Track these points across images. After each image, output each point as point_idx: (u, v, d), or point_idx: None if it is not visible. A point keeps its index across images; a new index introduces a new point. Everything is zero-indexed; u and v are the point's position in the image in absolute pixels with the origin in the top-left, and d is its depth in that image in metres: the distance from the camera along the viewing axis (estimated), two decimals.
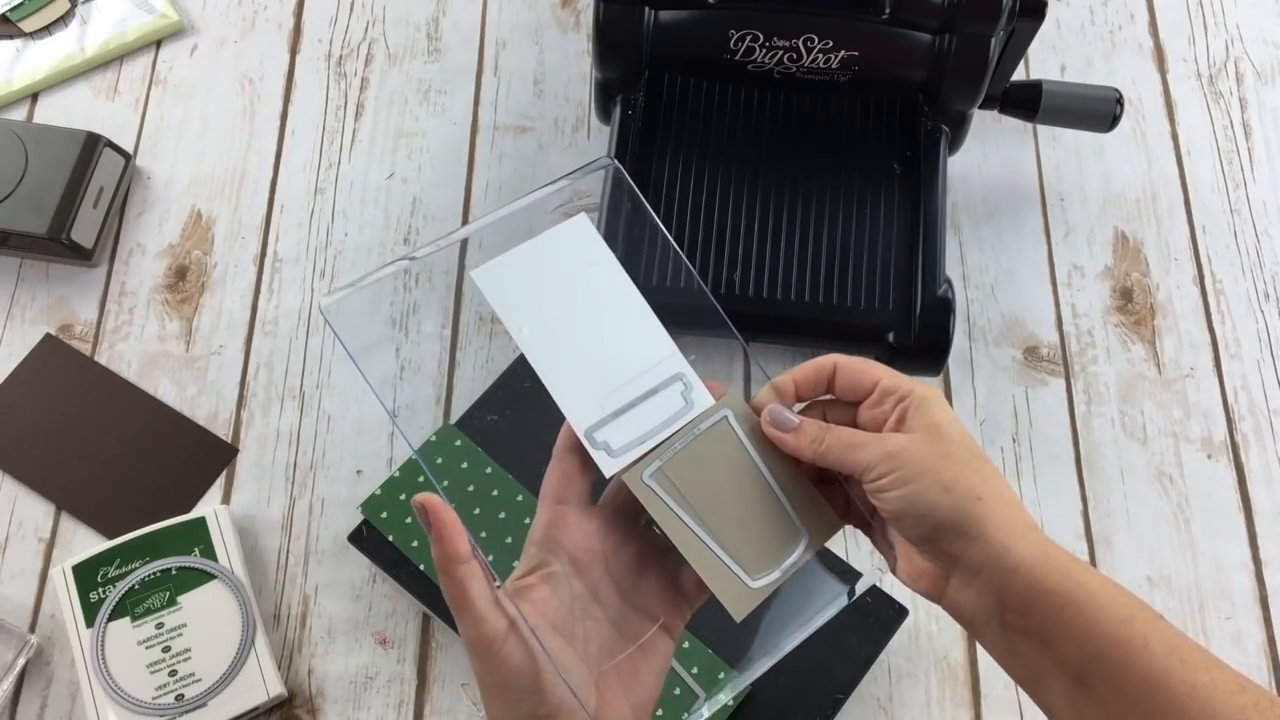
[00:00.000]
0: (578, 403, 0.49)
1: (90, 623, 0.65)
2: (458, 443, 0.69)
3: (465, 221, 0.81)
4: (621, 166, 0.59)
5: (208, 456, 0.73)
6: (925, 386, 0.47)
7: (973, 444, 0.47)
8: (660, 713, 0.62)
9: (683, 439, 0.48)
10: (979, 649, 0.68)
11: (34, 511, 0.71)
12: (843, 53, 0.72)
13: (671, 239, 0.72)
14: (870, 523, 0.50)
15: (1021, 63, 0.84)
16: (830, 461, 0.47)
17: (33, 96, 0.85)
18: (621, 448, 0.48)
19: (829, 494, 0.50)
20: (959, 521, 0.45)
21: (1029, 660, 0.45)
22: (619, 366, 0.49)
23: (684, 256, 0.72)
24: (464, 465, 0.68)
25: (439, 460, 0.69)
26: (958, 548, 0.45)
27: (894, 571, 0.48)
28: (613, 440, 0.48)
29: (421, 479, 0.68)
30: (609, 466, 0.48)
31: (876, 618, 0.65)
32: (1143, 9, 0.91)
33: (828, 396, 0.50)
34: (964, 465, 0.45)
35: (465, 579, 0.44)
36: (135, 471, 0.72)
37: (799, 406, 0.50)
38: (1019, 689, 0.67)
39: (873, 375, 0.48)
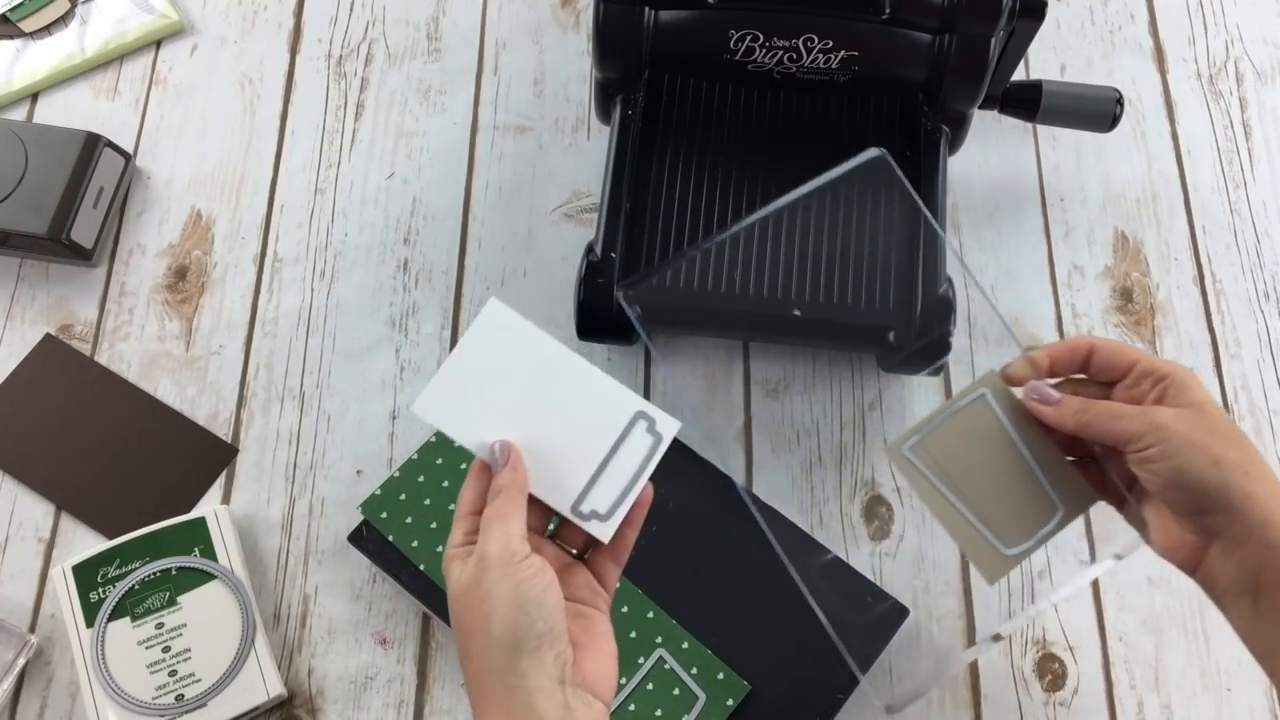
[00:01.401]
0: (553, 485, 0.50)
1: (90, 623, 0.65)
2: (457, 444, 0.69)
3: (465, 221, 0.81)
4: (889, 157, 0.59)
5: (208, 456, 0.73)
6: (1184, 369, 0.49)
7: (1234, 425, 0.48)
8: (659, 713, 0.62)
9: (941, 414, 0.52)
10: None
11: (34, 511, 0.71)
12: (843, 53, 0.72)
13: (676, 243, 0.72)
14: (1126, 497, 0.51)
15: (1021, 63, 0.84)
16: (1093, 433, 0.50)
17: (33, 96, 0.85)
18: (609, 509, 0.50)
19: (1083, 471, 0.52)
20: (1227, 495, 0.47)
21: (1275, 638, 0.47)
22: (579, 433, 0.51)
23: (681, 257, 0.72)
24: (464, 466, 0.68)
25: (439, 461, 0.69)
26: (1222, 521, 0.47)
27: (1149, 543, 0.51)
28: (599, 505, 0.50)
29: (422, 479, 0.68)
30: (604, 531, 0.50)
31: (876, 618, 0.65)
32: (1143, 9, 0.91)
33: (1081, 376, 0.52)
34: (1230, 441, 0.47)
35: (517, 505, 0.47)
36: (135, 471, 0.72)
37: (1052, 382, 0.52)
38: (1018, 689, 0.67)
39: (1130, 357, 0.50)
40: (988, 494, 0.51)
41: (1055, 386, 0.52)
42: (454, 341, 0.77)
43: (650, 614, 0.65)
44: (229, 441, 0.74)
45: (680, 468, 0.69)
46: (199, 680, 0.64)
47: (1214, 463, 0.47)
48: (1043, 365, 0.52)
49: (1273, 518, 0.46)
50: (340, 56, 0.87)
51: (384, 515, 0.67)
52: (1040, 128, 0.85)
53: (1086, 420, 0.50)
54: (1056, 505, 0.51)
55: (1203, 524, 0.48)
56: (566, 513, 0.50)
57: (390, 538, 0.67)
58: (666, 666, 0.63)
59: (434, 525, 0.67)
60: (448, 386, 0.50)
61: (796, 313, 0.67)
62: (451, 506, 0.67)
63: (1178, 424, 0.48)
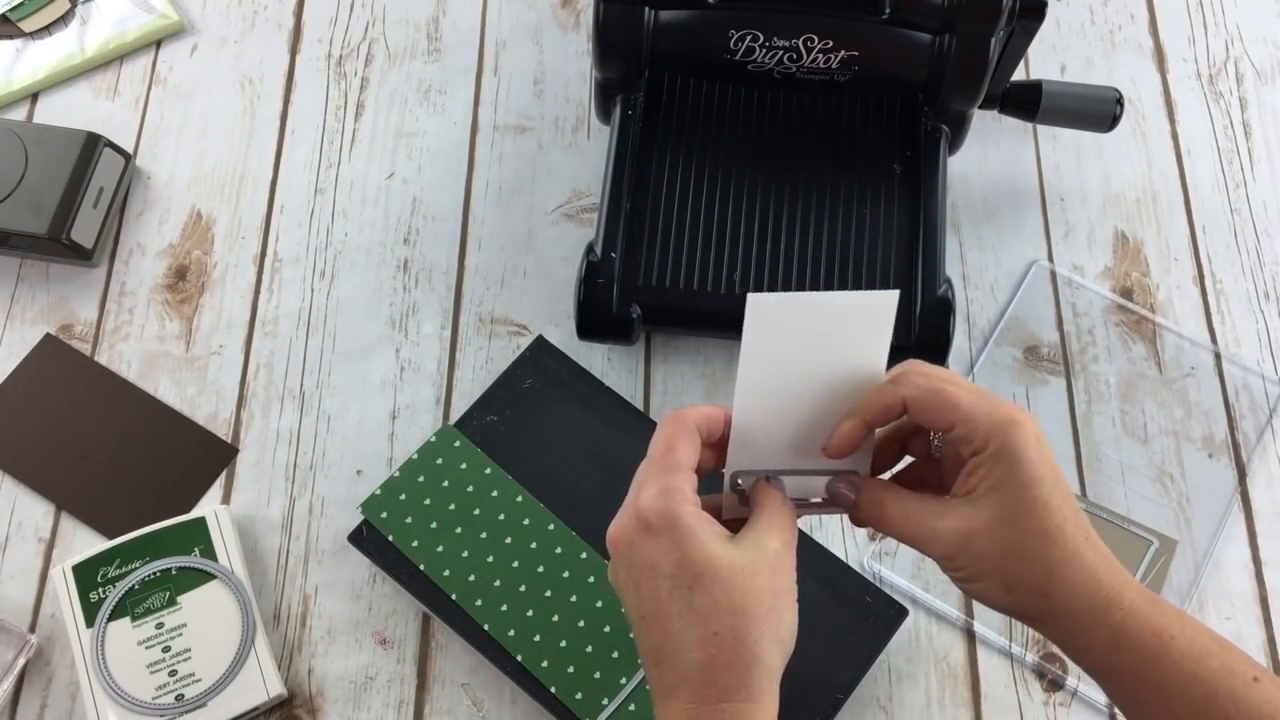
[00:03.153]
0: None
1: (90, 623, 0.65)
2: (457, 443, 0.69)
3: (465, 221, 0.81)
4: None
5: (208, 456, 0.73)
6: (1004, 432, 0.44)
7: (1045, 515, 0.44)
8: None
9: None
10: (979, 649, 0.68)
11: (34, 511, 0.71)
12: (843, 53, 0.72)
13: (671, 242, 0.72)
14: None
15: (1021, 63, 0.84)
16: (898, 538, 0.48)
17: (33, 96, 0.85)
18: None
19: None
20: (1026, 616, 0.46)
21: (1121, 708, 0.47)
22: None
23: (683, 257, 0.72)
24: (464, 465, 0.68)
25: (439, 461, 0.69)
26: (1031, 627, 0.47)
27: None
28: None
29: (422, 479, 0.68)
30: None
31: (876, 618, 0.65)
32: (1143, 9, 0.91)
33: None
34: (1028, 559, 0.44)
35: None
36: (135, 471, 0.72)
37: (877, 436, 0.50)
38: (1018, 689, 0.67)
39: (948, 419, 0.46)
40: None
41: (889, 441, 0.50)
42: (454, 342, 0.77)
43: None
44: (229, 441, 0.74)
45: None
46: (199, 680, 0.64)
47: (1007, 590, 0.44)
48: (856, 438, 0.47)
49: (1079, 625, 0.44)
50: (340, 56, 0.87)
51: (384, 515, 0.67)
52: (1040, 128, 0.85)
53: (886, 530, 0.48)
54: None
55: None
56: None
57: (390, 538, 0.67)
58: None
59: (434, 525, 0.67)
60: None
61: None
62: (452, 506, 0.67)
63: (974, 542, 0.44)
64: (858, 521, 0.49)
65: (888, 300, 0.46)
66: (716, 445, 0.49)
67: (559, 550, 0.66)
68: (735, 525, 0.48)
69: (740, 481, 0.49)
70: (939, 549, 0.46)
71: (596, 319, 0.71)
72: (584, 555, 0.66)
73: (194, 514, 0.69)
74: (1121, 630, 0.44)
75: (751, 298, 0.47)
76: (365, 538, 0.67)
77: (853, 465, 0.50)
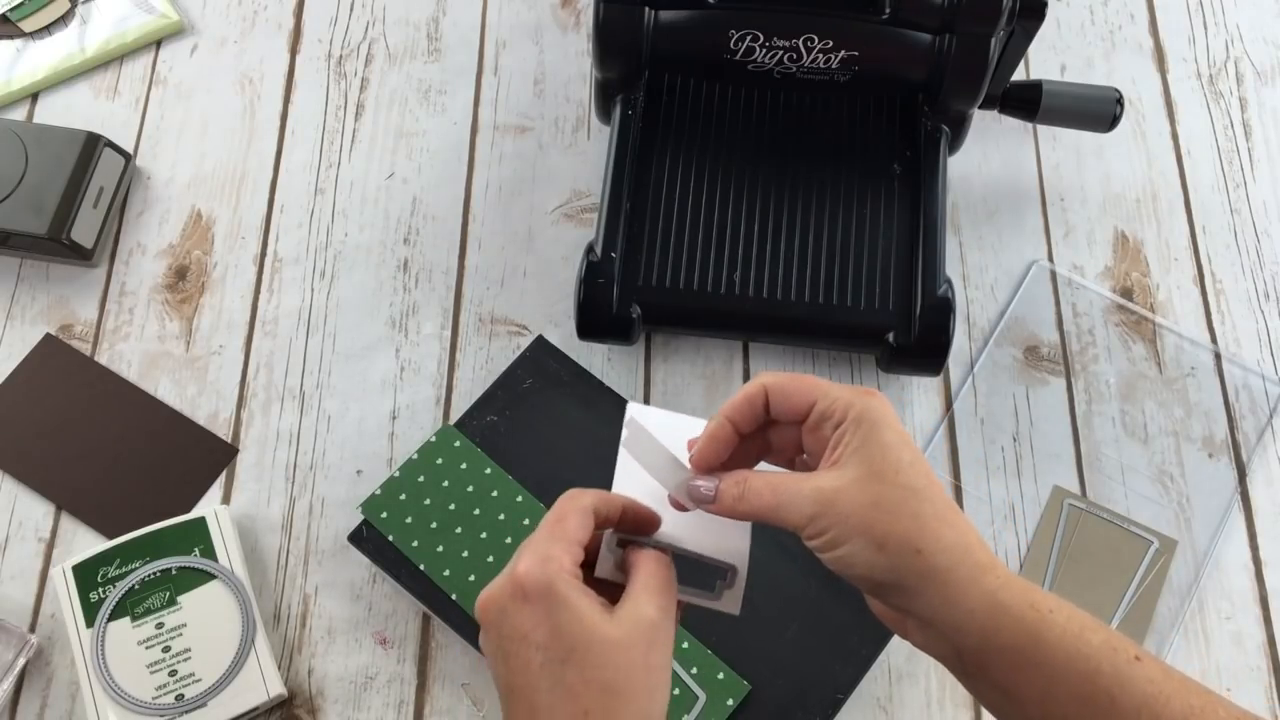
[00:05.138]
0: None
1: (90, 623, 0.65)
2: (457, 443, 0.69)
3: (465, 221, 0.81)
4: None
5: (208, 456, 0.73)
6: (862, 399, 0.44)
7: (912, 473, 0.42)
8: None
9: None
10: None
11: (34, 511, 0.71)
12: (843, 53, 0.72)
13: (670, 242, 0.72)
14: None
15: (1021, 63, 0.84)
16: (761, 520, 0.45)
17: (33, 96, 0.85)
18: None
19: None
20: (898, 580, 0.42)
21: (997, 707, 0.44)
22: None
23: (683, 257, 0.72)
24: (464, 465, 0.68)
25: (439, 461, 0.69)
26: (903, 602, 0.43)
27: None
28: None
29: (422, 479, 0.68)
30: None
31: (876, 618, 0.65)
32: (1143, 9, 0.91)
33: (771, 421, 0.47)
34: (897, 512, 0.42)
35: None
36: (135, 471, 0.72)
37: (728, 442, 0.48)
38: None
39: (807, 396, 0.45)
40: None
41: (748, 438, 0.48)
42: (454, 342, 0.77)
43: None
44: (229, 441, 0.74)
45: None
46: (199, 680, 0.64)
47: (879, 547, 0.41)
48: (722, 437, 0.46)
49: (953, 594, 0.41)
50: (340, 56, 0.87)
51: (384, 515, 0.67)
52: (1040, 128, 0.85)
53: (747, 509, 0.45)
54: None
55: (889, 603, 0.44)
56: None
57: (390, 538, 0.67)
58: None
59: (434, 525, 0.67)
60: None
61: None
62: (452, 506, 0.67)
63: (839, 501, 0.42)
64: (724, 510, 0.46)
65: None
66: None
67: None
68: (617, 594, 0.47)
69: (617, 544, 0.48)
70: (803, 508, 0.43)
71: (596, 319, 0.71)
72: None
73: (194, 514, 0.69)
74: (998, 599, 0.41)
75: (632, 406, 0.50)
76: (365, 538, 0.67)
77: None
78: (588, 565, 0.47)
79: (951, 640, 0.43)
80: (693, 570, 0.48)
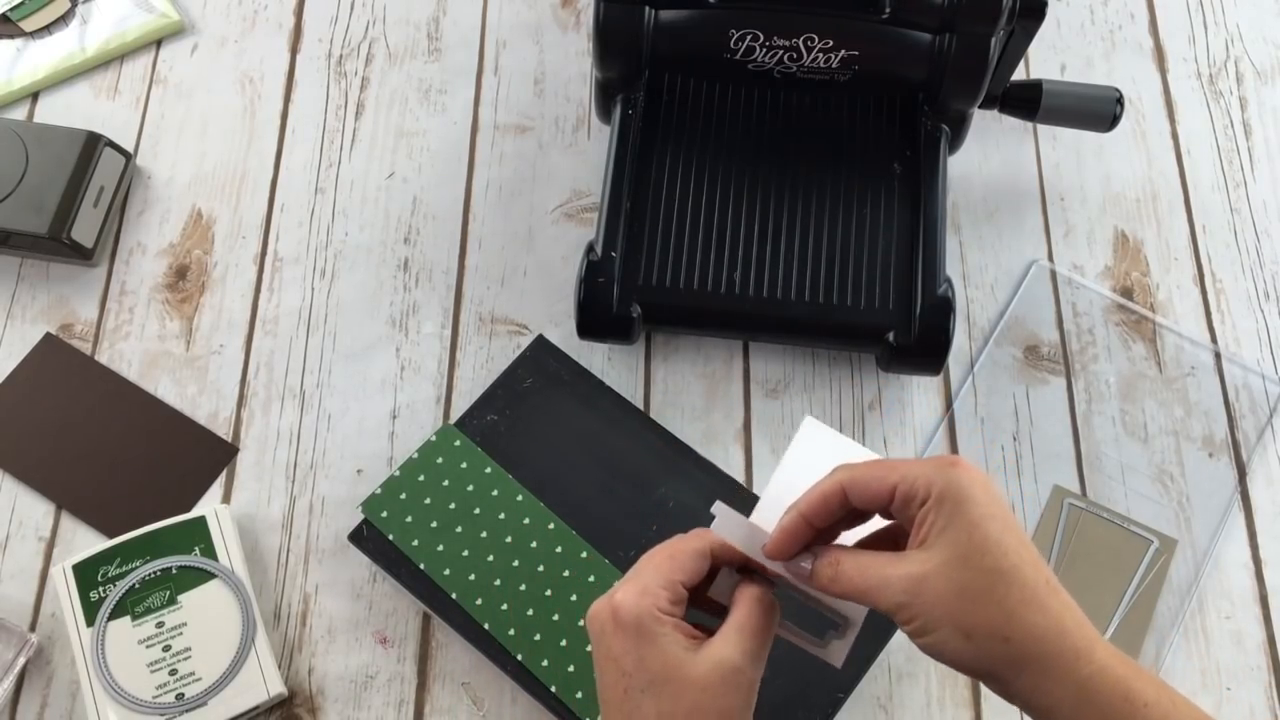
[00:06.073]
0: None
1: (90, 622, 0.65)
2: (457, 443, 0.69)
3: (465, 220, 0.81)
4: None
5: (208, 456, 0.73)
6: (944, 474, 0.43)
7: (999, 553, 0.42)
8: None
9: None
10: None
11: (34, 511, 0.71)
12: (843, 52, 0.72)
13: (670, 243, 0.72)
14: None
15: (1021, 63, 0.84)
16: (854, 601, 0.46)
17: (33, 96, 0.85)
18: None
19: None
20: (990, 669, 0.42)
21: None
22: None
23: (683, 256, 0.72)
24: (464, 465, 0.68)
25: (439, 460, 0.69)
26: (997, 689, 0.43)
27: None
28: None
29: (422, 478, 0.68)
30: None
31: (877, 617, 0.65)
32: (1143, 9, 0.91)
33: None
34: (983, 600, 0.41)
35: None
36: (135, 471, 0.72)
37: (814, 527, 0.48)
38: None
39: (885, 483, 0.44)
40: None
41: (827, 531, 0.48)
42: (454, 342, 0.77)
43: None
44: (229, 441, 0.74)
45: (682, 469, 0.69)
46: (199, 679, 0.64)
47: (967, 635, 0.41)
48: (794, 532, 0.46)
49: (1042, 682, 0.41)
50: (340, 56, 0.87)
51: (384, 514, 0.67)
52: (1040, 127, 0.85)
53: (840, 591, 0.45)
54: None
55: (988, 687, 0.44)
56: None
57: (390, 537, 0.67)
58: None
59: (434, 524, 0.67)
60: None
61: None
62: (452, 505, 0.67)
63: (927, 589, 0.42)
64: (817, 585, 0.47)
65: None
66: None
67: (559, 549, 0.66)
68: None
69: (737, 569, 0.49)
70: (892, 596, 0.43)
71: (597, 318, 0.71)
72: (584, 554, 0.66)
73: (194, 513, 0.69)
74: (1090, 688, 0.41)
75: (808, 421, 0.51)
76: (365, 537, 0.67)
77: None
78: (711, 577, 0.48)
79: (1043, 717, 0.43)
80: (809, 615, 0.49)
